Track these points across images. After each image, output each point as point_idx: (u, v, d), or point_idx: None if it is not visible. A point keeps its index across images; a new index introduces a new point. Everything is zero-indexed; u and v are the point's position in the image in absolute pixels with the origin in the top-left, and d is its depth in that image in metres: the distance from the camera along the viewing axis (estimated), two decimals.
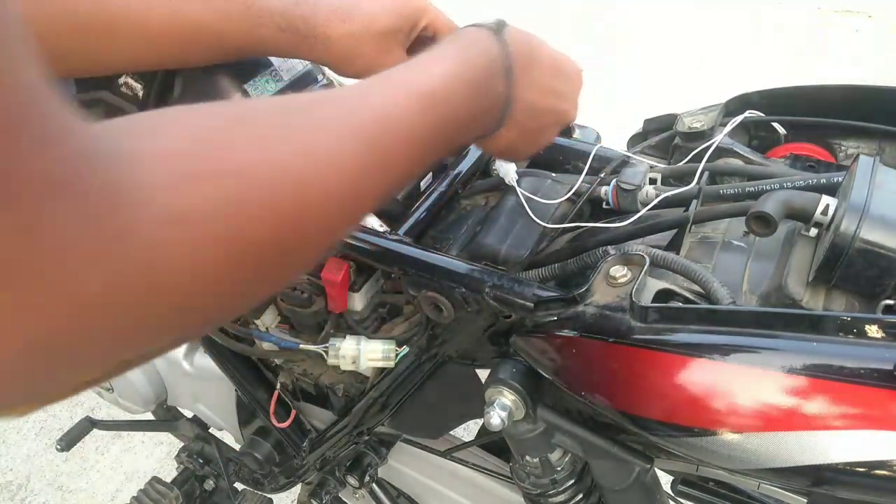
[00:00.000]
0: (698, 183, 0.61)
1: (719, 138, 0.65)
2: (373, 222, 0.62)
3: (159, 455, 1.73)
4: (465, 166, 0.68)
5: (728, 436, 0.41)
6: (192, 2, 0.56)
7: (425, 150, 0.44)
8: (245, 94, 0.68)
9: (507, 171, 0.65)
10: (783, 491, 0.64)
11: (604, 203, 0.65)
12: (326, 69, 0.78)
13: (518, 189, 0.64)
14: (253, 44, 0.59)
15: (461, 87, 0.46)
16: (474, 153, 0.70)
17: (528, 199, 0.64)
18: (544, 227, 0.62)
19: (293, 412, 0.88)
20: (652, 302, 0.49)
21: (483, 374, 0.64)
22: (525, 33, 0.55)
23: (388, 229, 0.62)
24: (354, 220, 0.40)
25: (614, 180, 0.63)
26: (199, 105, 0.32)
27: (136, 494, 1.12)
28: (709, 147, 0.64)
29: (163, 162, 0.27)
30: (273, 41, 0.59)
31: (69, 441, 1.15)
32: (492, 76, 0.49)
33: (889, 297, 0.46)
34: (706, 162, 0.64)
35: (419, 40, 0.66)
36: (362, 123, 0.38)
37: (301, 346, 0.73)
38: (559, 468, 0.65)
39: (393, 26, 0.61)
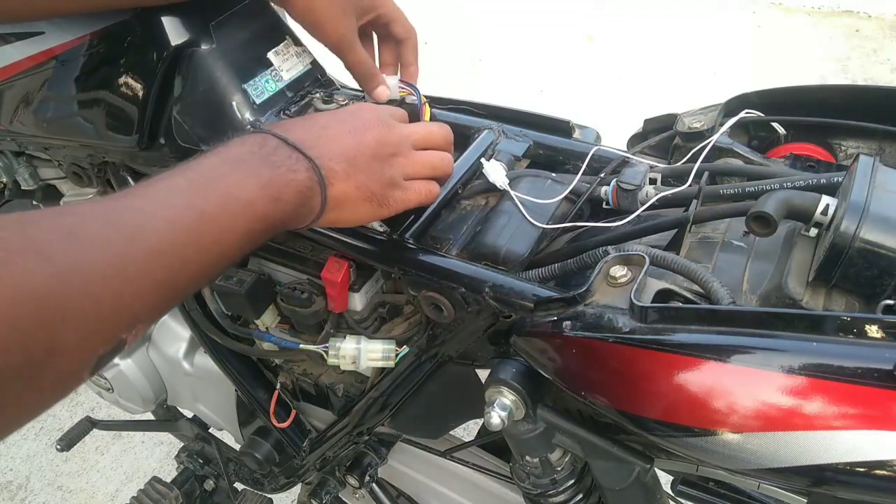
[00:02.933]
0: (697, 183, 0.61)
1: (714, 138, 0.65)
2: (373, 222, 0.63)
3: (159, 455, 1.73)
4: (464, 167, 0.68)
5: (728, 436, 0.41)
6: None
7: (216, 234, 0.42)
8: (245, 94, 0.69)
9: (497, 175, 0.65)
10: (783, 491, 0.64)
11: (604, 203, 0.65)
12: (326, 69, 0.78)
13: (512, 193, 0.64)
14: None
15: (231, 168, 0.46)
16: (472, 154, 0.70)
17: (527, 199, 0.64)
18: (543, 227, 0.62)
19: (293, 412, 0.88)
20: (652, 302, 0.49)
21: (483, 374, 0.64)
22: (289, 120, 0.57)
23: (388, 229, 0.62)
24: (126, 324, 0.37)
25: (614, 180, 0.63)
26: None
27: (136, 494, 1.12)
28: (705, 147, 0.64)
29: None
30: None
31: (69, 441, 1.15)
32: (268, 150, 0.49)
33: (889, 297, 0.46)
34: (704, 162, 0.64)
35: (379, 29, 0.72)
36: (113, 222, 0.37)
37: (301, 346, 0.73)
38: (559, 468, 0.65)
39: None
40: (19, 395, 0.31)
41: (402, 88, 0.72)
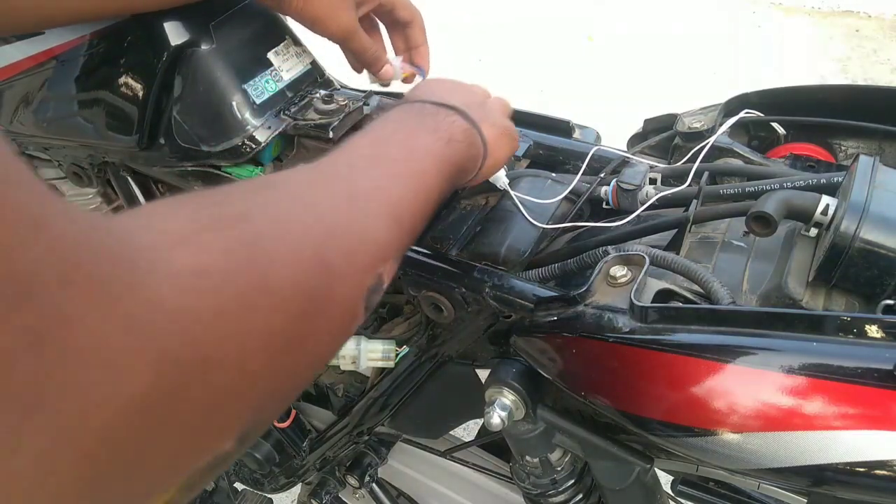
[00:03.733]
0: (697, 183, 0.61)
1: (714, 138, 0.65)
2: None
3: None
4: None
5: (728, 436, 0.41)
6: None
7: (415, 178, 0.45)
8: (245, 94, 0.68)
9: (498, 175, 0.65)
10: (783, 491, 0.64)
11: (604, 203, 0.65)
12: (326, 69, 0.78)
13: (512, 193, 0.64)
14: None
15: (401, 121, 0.49)
16: None
17: (527, 199, 0.64)
18: (543, 227, 0.62)
19: (293, 412, 0.88)
20: (652, 302, 0.49)
21: (483, 374, 0.64)
22: (432, 82, 0.59)
23: None
24: (389, 256, 0.39)
25: (614, 180, 0.63)
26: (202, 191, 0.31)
27: None
28: (703, 147, 0.64)
29: (167, 222, 0.25)
30: None
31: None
32: (429, 113, 0.51)
33: (889, 297, 0.46)
34: (704, 162, 0.64)
35: (384, 16, 0.73)
36: (401, 161, 0.42)
37: None
38: (559, 468, 0.65)
39: None
40: (316, 322, 0.31)
41: (407, 68, 0.74)
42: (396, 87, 0.76)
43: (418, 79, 0.73)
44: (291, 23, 0.73)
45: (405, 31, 0.74)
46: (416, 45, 0.75)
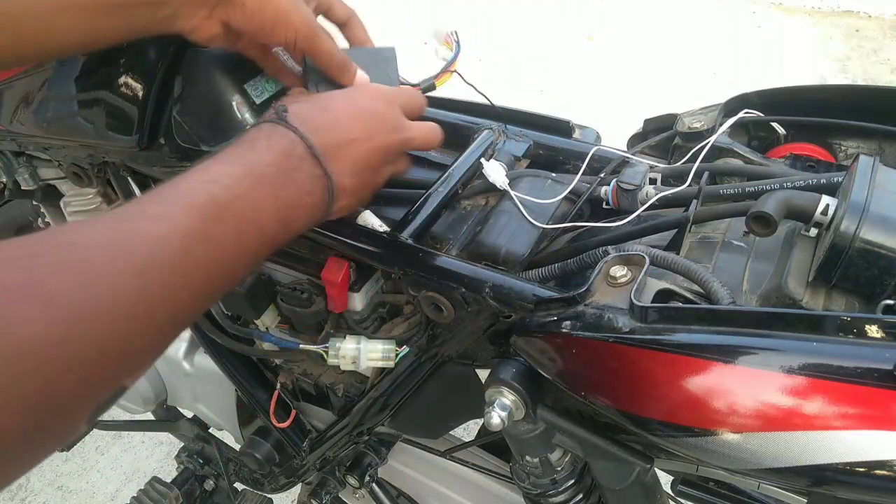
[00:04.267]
0: (697, 183, 0.61)
1: (714, 138, 0.65)
2: (373, 222, 0.62)
3: (159, 455, 1.73)
4: (464, 167, 0.68)
5: (728, 436, 0.41)
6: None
7: (223, 261, 0.39)
8: (244, 94, 0.68)
9: (497, 176, 0.65)
10: (783, 491, 0.64)
11: (604, 203, 0.65)
12: None
13: (512, 193, 0.64)
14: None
15: (252, 186, 0.43)
16: (472, 154, 0.70)
17: (527, 199, 0.64)
18: (543, 227, 0.62)
19: (293, 412, 0.88)
20: (652, 302, 0.49)
21: (483, 374, 0.64)
22: (307, 103, 0.52)
23: (388, 229, 0.62)
24: (135, 367, 0.34)
25: (614, 180, 0.63)
26: None
27: (136, 494, 1.12)
28: (703, 147, 0.64)
29: None
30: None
31: (69, 441, 1.15)
32: (292, 165, 0.46)
33: (889, 297, 0.46)
34: (703, 162, 0.64)
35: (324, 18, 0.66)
36: (122, 259, 0.33)
37: (301, 346, 0.73)
38: (559, 468, 0.65)
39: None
40: (15, 454, 0.29)
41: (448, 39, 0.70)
42: None
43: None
44: None
45: (344, 31, 0.69)
46: (362, 43, 0.69)
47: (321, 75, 0.63)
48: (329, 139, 0.50)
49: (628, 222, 0.60)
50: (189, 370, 1.02)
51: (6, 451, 0.27)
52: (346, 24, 0.68)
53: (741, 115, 0.68)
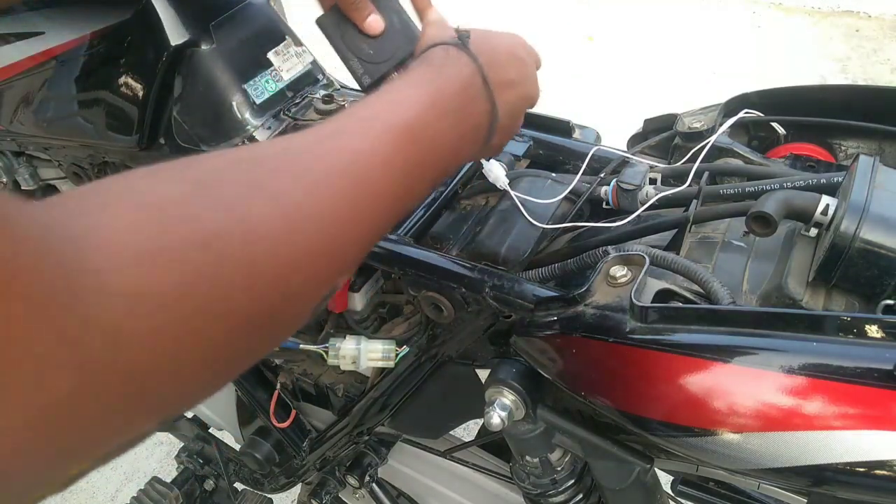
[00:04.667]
0: (697, 183, 0.61)
1: (713, 138, 0.65)
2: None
3: (159, 455, 1.73)
4: (464, 167, 0.68)
5: (728, 436, 0.41)
6: None
7: (409, 187, 0.41)
8: (245, 94, 0.68)
9: (497, 176, 0.65)
10: (783, 491, 0.64)
11: (604, 203, 0.65)
12: (326, 69, 0.78)
13: (512, 193, 0.64)
14: None
15: (438, 115, 0.44)
16: None
17: (527, 199, 0.64)
18: (543, 227, 0.62)
19: (293, 412, 0.88)
20: (652, 302, 0.49)
21: (483, 374, 0.64)
22: (483, 33, 0.53)
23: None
24: (344, 269, 0.37)
25: (614, 180, 0.63)
26: (153, 170, 0.29)
27: (136, 494, 1.12)
28: (703, 147, 0.64)
29: (118, 240, 0.25)
30: None
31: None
32: (471, 97, 0.48)
33: (889, 297, 0.46)
34: (703, 162, 0.64)
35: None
36: (335, 169, 0.36)
37: (301, 346, 0.73)
38: (559, 468, 0.65)
39: None
40: (254, 340, 0.30)
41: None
42: None
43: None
44: (291, 22, 0.73)
45: None
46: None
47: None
48: (499, 76, 0.51)
49: (628, 222, 0.60)
50: None
51: (249, 334, 0.29)
52: None
53: (741, 115, 0.68)
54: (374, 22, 0.60)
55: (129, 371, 0.24)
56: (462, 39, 0.50)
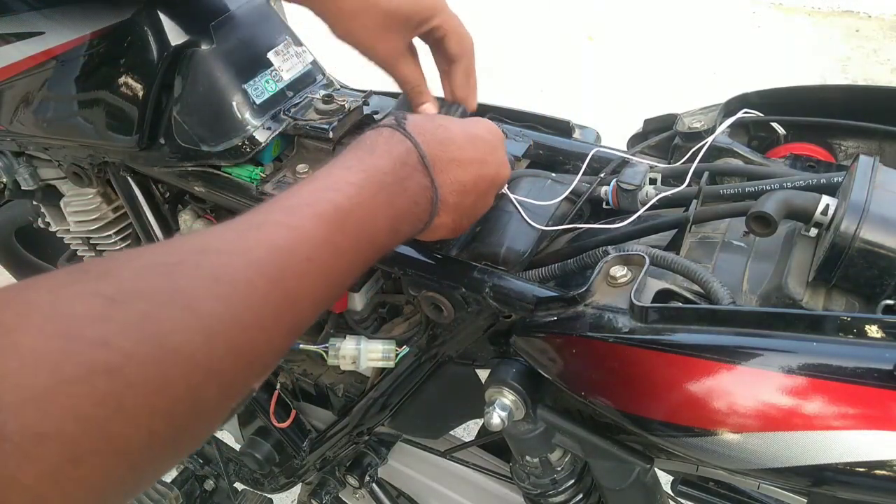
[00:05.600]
0: (697, 183, 0.61)
1: (713, 138, 0.65)
2: None
3: None
4: None
5: (728, 436, 0.41)
6: None
7: (340, 271, 0.40)
8: (245, 94, 0.68)
9: None
10: (783, 491, 0.64)
11: (604, 203, 0.65)
12: (326, 69, 0.78)
13: (511, 196, 0.64)
14: None
15: (371, 193, 0.44)
16: None
17: (527, 201, 0.64)
18: (543, 229, 0.62)
19: (293, 412, 0.88)
20: (652, 302, 0.49)
21: (483, 374, 0.64)
22: (427, 117, 0.54)
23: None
24: (260, 374, 0.35)
25: (614, 180, 0.63)
26: (63, 281, 0.28)
27: None
28: (702, 147, 0.64)
29: (18, 376, 0.23)
30: None
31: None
32: (406, 174, 0.47)
33: (889, 297, 0.46)
34: (703, 162, 0.64)
35: (432, 43, 0.64)
36: (254, 270, 0.34)
37: (301, 346, 0.73)
38: (559, 468, 0.65)
39: (402, 10, 0.59)
40: (163, 454, 0.29)
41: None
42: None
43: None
44: (291, 22, 0.73)
45: (449, 65, 0.65)
46: (456, 87, 0.66)
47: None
48: (441, 153, 0.50)
49: (630, 223, 0.60)
50: None
51: (154, 457, 0.28)
52: (453, 61, 0.64)
53: (741, 114, 0.68)
54: (427, 109, 0.65)
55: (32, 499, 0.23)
56: (398, 121, 0.50)
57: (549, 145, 0.73)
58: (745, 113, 0.69)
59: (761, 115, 0.69)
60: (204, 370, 0.29)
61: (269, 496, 1.11)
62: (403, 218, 0.47)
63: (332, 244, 0.39)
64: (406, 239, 0.50)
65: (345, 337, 0.70)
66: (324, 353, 0.70)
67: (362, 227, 0.43)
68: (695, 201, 0.58)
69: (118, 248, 0.90)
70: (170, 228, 0.84)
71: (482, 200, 0.56)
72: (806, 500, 0.56)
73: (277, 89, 0.71)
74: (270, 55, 0.72)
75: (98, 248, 0.92)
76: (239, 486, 1.13)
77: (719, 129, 0.66)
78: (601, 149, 0.70)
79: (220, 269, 0.33)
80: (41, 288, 0.27)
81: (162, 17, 0.66)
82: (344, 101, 0.70)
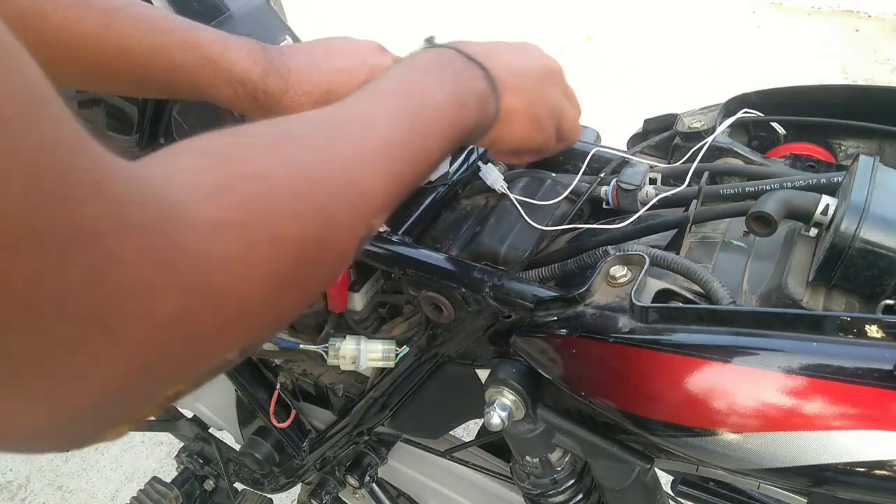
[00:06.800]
0: (696, 183, 0.61)
1: (712, 138, 0.65)
2: (494, 176, 0.63)
3: (159, 455, 1.73)
4: (463, 167, 0.68)
5: (728, 436, 0.41)
6: (138, 41, 0.54)
7: (419, 136, 0.45)
8: None
9: (495, 179, 0.65)
10: (783, 491, 0.64)
11: (604, 203, 0.65)
12: None
13: (510, 196, 0.64)
14: (204, 97, 0.58)
15: (421, 74, 0.48)
16: (472, 155, 0.70)
17: (527, 199, 0.64)
18: (543, 229, 0.62)
19: (293, 412, 0.88)
20: (652, 302, 0.49)
21: (483, 374, 0.64)
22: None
23: (388, 229, 0.62)
24: (375, 208, 0.40)
25: (614, 180, 0.63)
26: (202, 134, 0.33)
27: (136, 494, 1.12)
28: (702, 147, 0.64)
29: (192, 178, 0.29)
30: (228, 102, 0.58)
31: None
32: (448, 60, 0.51)
33: (889, 297, 0.46)
34: (703, 162, 0.64)
35: None
36: (348, 123, 0.41)
37: (301, 346, 0.73)
38: (559, 468, 0.65)
39: (354, 84, 0.61)
40: (314, 265, 0.34)
41: None
42: None
43: None
44: (292, 22, 0.73)
45: None
46: None
47: None
48: (479, 49, 0.53)
49: (630, 223, 0.60)
50: None
51: (305, 268, 0.33)
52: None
53: (741, 114, 0.68)
54: None
55: (217, 294, 0.27)
56: (427, 42, 0.54)
57: None
58: (745, 113, 0.69)
59: (761, 115, 0.69)
60: (328, 191, 0.35)
61: (269, 496, 1.11)
62: (463, 92, 0.50)
63: (403, 109, 0.44)
64: (482, 119, 0.52)
65: (345, 337, 0.70)
66: (324, 353, 0.70)
67: (425, 97, 0.46)
68: (695, 201, 0.58)
69: None
70: None
71: (542, 86, 0.57)
72: (806, 500, 0.57)
73: None
74: None
75: None
76: (239, 486, 1.13)
77: (719, 129, 0.66)
78: (601, 149, 0.70)
79: (321, 123, 0.39)
80: (185, 140, 0.32)
81: None
82: None
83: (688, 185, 0.61)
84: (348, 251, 0.38)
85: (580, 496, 0.66)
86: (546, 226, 0.62)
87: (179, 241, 0.26)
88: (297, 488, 1.07)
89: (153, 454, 1.74)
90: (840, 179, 0.53)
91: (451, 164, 0.68)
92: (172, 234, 0.25)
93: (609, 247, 0.56)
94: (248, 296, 0.29)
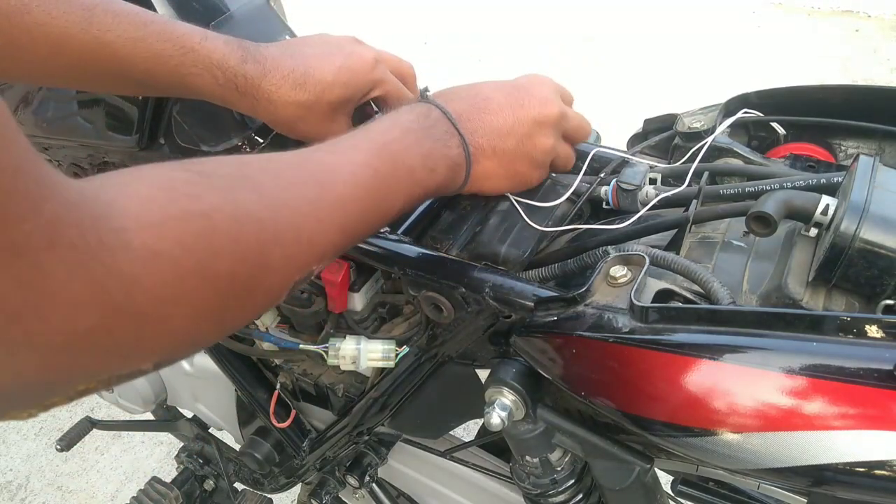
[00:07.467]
0: (696, 183, 0.61)
1: (712, 138, 0.65)
2: None
3: (159, 455, 1.73)
4: None
5: (728, 436, 0.41)
6: (118, 35, 0.55)
7: (379, 194, 0.47)
8: None
9: None
10: (783, 491, 0.64)
11: (604, 203, 0.65)
12: None
13: (511, 197, 0.64)
14: (185, 89, 0.59)
15: (400, 133, 0.51)
16: None
17: (527, 202, 0.64)
18: (543, 230, 0.62)
19: (293, 412, 0.88)
20: (652, 302, 0.49)
21: (483, 374, 0.64)
22: (451, 90, 0.59)
23: (388, 229, 0.62)
24: (315, 257, 0.42)
25: (614, 180, 0.63)
26: (161, 164, 0.35)
27: (136, 494, 1.12)
28: (702, 147, 0.64)
29: (138, 208, 0.30)
30: (209, 91, 0.59)
31: (69, 441, 1.15)
32: (430, 123, 0.53)
33: (889, 297, 0.46)
34: (703, 161, 0.64)
35: (378, 104, 0.67)
36: (307, 175, 0.43)
37: (301, 346, 0.73)
38: (559, 468, 0.65)
39: (344, 97, 0.61)
40: (240, 302, 0.36)
41: None
42: None
43: None
44: (292, 22, 0.73)
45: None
46: None
47: None
48: (465, 106, 0.55)
49: (629, 223, 0.60)
50: (189, 370, 1.02)
51: (233, 300, 0.35)
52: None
53: (741, 114, 0.68)
54: None
55: (139, 316, 0.29)
56: (421, 94, 0.56)
57: None
58: (745, 113, 0.69)
59: (761, 115, 0.69)
60: (271, 234, 0.37)
61: (268, 496, 1.11)
62: (436, 158, 0.52)
63: (372, 167, 0.46)
64: (451, 183, 0.55)
65: (345, 337, 0.70)
66: (324, 353, 0.70)
67: (397, 158, 0.49)
68: (695, 201, 0.58)
69: None
70: None
71: (529, 142, 0.58)
72: (806, 500, 0.57)
73: None
74: None
75: None
76: (239, 486, 1.13)
77: (719, 129, 0.66)
78: (601, 149, 0.70)
79: (281, 170, 0.41)
80: (146, 166, 0.34)
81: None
82: None
83: (688, 186, 0.61)
84: (280, 292, 0.40)
85: (580, 496, 0.66)
86: (546, 226, 0.62)
87: (111, 264, 0.27)
88: (297, 488, 1.07)
89: (153, 454, 1.74)
90: (840, 179, 0.53)
91: None
92: (105, 257, 0.27)
93: (609, 247, 0.57)
94: (169, 321, 0.31)
